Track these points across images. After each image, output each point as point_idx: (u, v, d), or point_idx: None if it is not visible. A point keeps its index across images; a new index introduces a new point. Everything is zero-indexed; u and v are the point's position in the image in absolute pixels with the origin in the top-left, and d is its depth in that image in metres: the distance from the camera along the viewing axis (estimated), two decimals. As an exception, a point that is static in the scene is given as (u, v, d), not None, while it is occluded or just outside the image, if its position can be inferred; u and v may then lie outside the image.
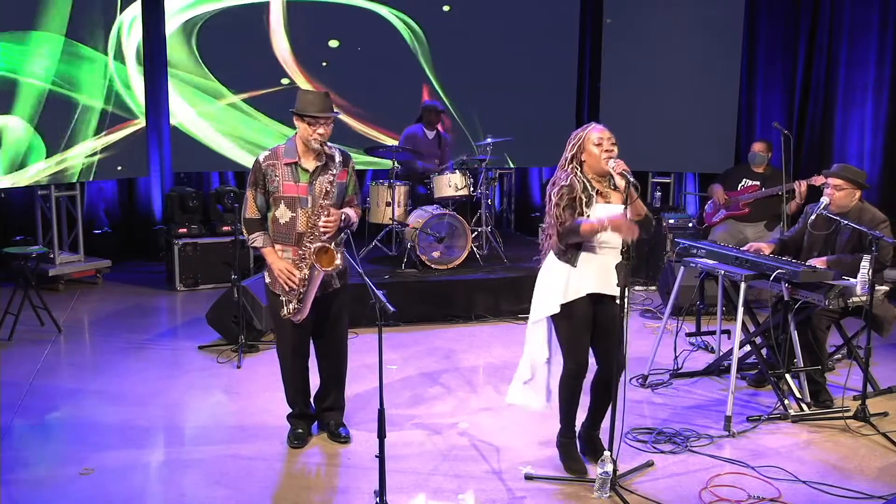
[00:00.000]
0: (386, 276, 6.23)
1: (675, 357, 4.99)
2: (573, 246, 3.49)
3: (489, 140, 6.93)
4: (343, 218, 3.75)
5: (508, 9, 8.20)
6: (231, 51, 7.54)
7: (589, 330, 3.55)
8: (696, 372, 4.99)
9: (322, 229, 3.67)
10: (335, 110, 3.74)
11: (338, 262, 3.67)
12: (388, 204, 6.53)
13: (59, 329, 5.73)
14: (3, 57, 6.42)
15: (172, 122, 7.56)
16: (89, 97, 6.94)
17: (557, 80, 8.43)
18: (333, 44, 7.79)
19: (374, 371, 3.23)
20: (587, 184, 3.49)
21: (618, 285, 3.33)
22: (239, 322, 5.24)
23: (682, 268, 4.77)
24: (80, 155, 6.93)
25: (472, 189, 6.61)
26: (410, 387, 4.80)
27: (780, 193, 6.34)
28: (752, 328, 4.85)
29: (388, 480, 3.24)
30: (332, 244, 3.68)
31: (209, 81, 7.56)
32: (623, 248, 3.32)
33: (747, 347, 4.71)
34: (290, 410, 4.04)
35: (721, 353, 4.98)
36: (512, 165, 8.44)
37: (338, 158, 3.76)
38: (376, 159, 7.40)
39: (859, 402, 4.26)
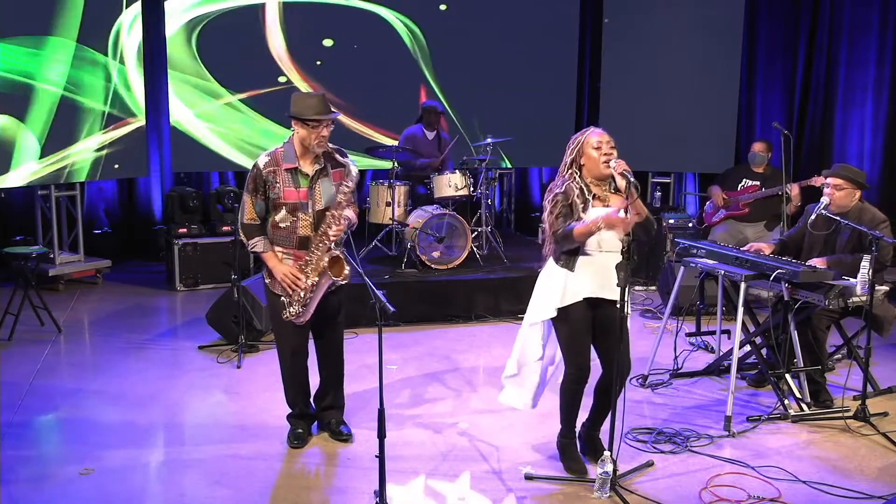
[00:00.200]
0: (386, 276, 6.23)
1: (675, 357, 4.99)
2: (570, 251, 3.49)
3: (489, 140, 6.94)
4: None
5: (507, 8, 8.20)
6: (230, 51, 7.54)
7: (589, 334, 3.54)
8: (696, 372, 5.00)
9: (333, 238, 3.69)
10: (334, 111, 3.73)
11: (347, 270, 3.69)
12: (388, 204, 6.53)
13: (59, 329, 5.73)
14: (20, 61, 6.45)
15: (172, 122, 7.56)
16: (92, 98, 6.95)
17: (557, 80, 8.43)
18: (328, 43, 7.77)
19: (374, 371, 3.23)
20: (584, 189, 3.48)
21: (618, 285, 3.33)
22: (239, 322, 5.24)
23: (682, 268, 4.77)
24: (80, 155, 6.93)
25: (472, 189, 6.61)
26: (410, 387, 4.80)
27: (779, 193, 6.35)
28: (752, 328, 4.85)
29: (388, 480, 3.24)
30: (340, 252, 3.71)
31: (209, 82, 7.56)
32: (623, 248, 3.32)
33: (747, 347, 4.71)
34: (289, 410, 4.04)
35: (721, 353, 4.98)
36: (509, 165, 8.43)
37: (340, 159, 3.78)
38: (376, 161, 7.41)
39: (859, 402, 4.26)
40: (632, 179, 3.34)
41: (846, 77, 8.01)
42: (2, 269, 6.59)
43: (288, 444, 3.94)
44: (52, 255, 6.98)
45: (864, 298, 4.13)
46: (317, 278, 3.71)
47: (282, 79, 7.68)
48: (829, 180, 4.56)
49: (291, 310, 3.76)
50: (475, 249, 6.59)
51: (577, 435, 3.77)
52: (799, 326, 4.45)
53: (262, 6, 7.57)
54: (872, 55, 7.85)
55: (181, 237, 7.07)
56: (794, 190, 6.24)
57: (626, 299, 3.35)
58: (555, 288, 3.52)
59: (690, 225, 7.21)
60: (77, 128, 6.88)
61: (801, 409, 4.32)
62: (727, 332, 5.05)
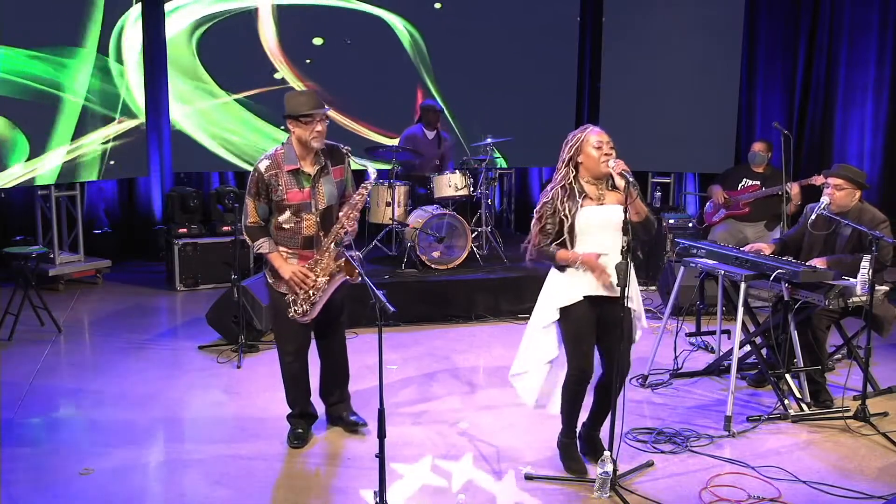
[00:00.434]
0: (386, 276, 6.23)
1: (675, 357, 4.99)
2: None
3: (489, 140, 6.94)
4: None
5: (506, 7, 8.19)
6: (230, 52, 7.54)
7: (593, 333, 3.54)
8: (696, 372, 4.99)
9: (347, 240, 3.74)
10: (325, 107, 3.74)
11: (358, 271, 3.69)
12: (388, 204, 6.52)
13: (59, 329, 5.73)
14: (18, 63, 6.46)
15: (172, 122, 7.56)
16: (92, 98, 6.95)
17: (557, 80, 8.42)
18: (318, 41, 7.75)
19: (374, 371, 3.23)
20: (576, 191, 3.48)
21: (617, 285, 3.33)
22: (239, 322, 5.24)
23: (682, 268, 4.77)
24: (80, 154, 6.93)
25: (472, 189, 6.61)
26: (410, 387, 4.80)
27: (779, 193, 6.35)
28: (752, 328, 4.85)
29: (388, 480, 3.24)
30: (354, 254, 3.75)
31: (209, 82, 7.55)
32: (622, 247, 3.32)
33: (747, 347, 4.71)
34: (290, 411, 4.04)
35: (721, 353, 4.98)
36: (505, 165, 8.41)
37: (336, 152, 3.82)
38: (375, 163, 7.40)
39: (859, 402, 4.26)
40: (631, 180, 3.35)
41: (846, 77, 8.00)
42: (2, 269, 6.59)
43: (288, 444, 3.94)
44: (52, 255, 6.98)
45: (864, 298, 4.13)
46: (327, 277, 3.73)
47: (277, 76, 7.67)
48: (829, 180, 4.56)
49: (297, 308, 3.76)
50: (475, 249, 6.59)
51: (577, 435, 3.76)
52: (799, 326, 4.44)
53: (257, 9, 7.56)
54: (872, 55, 7.84)
55: (181, 237, 7.07)
56: (794, 189, 6.25)
57: (626, 298, 3.35)
58: (556, 289, 3.53)
59: (690, 225, 7.21)
60: (77, 128, 6.87)
61: (801, 409, 4.32)
62: (727, 332, 5.05)
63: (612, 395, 3.45)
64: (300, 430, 3.98)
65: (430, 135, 7.11)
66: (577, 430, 3.76)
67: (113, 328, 5.91)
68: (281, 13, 7.64)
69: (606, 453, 3.42)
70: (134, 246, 8.16)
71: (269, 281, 3.84)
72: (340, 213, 3.79)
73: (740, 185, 6.81)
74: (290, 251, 3.78)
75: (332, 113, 3.78)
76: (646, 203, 3.57)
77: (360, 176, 3.92)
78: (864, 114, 7.96)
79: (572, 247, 3.49)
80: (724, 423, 4.15)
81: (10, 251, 5.87)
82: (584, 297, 3.47)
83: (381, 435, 3.16)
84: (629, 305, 3.45)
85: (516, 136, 7.37)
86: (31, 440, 4.02)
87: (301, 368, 3.98)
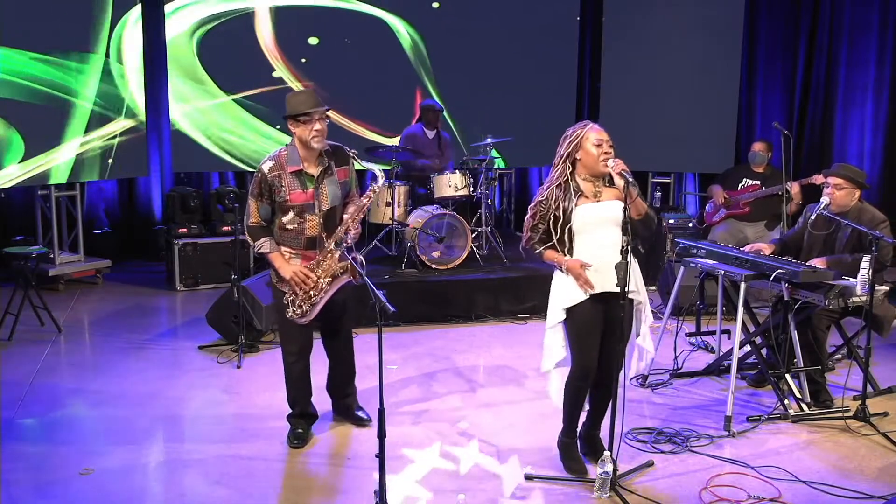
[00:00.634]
0: (386, 276, 6.23)
1: (675, 357, 4.99)
2: (567, 252, 3.49)
3: (489, 140, 6.94)
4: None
5: (506, 7, 8.19)
6: (230, 53, 7.54)
7: (597, 331, 3.53)
8: (696, 372, 4.99)
9: (351, 241, 3.77)
10: (324, 105, 3.75)
11: (359, 273, 3.73)
12: (388, 204, 6.52)
13: (59, 329, 5.73)
14: (18, 64, 6.47)
15: (172, 122, 7.56)
16: (94, 99, 6.95)
17: (557, 80, 8.42)
18: (314, 41, 7.76)
19: (374, 371, 3.24)
20: (571, 187, 3.48)
21: (617, 285, 3.33)
22: (239, 322, 5.24)
23: (682, 268, 4.77)
24: (80, 154, 6.93)
25: (472, 189, 6.61)
26: (410, 386, 4.80)
27: (780, 193, 6.35)
28: (752, 328, 4.85)
29: (388, 480, 3.24)
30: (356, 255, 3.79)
31: (209, 82, 7.55)
32: (622, 247, 3.32)
33: (747, 347, 4.71)
34: (290, 410, 4.05)
35: (721, 353, 4.97)
36: (503, 165, 8.41)
37: (340, 153, 3.84)
38: (375, 163, 7.40)
39: (859, 402, 4.26)
40: (630, 179, 3.34)
41: (846, 77, 8.00)
42: (2, 269, 6.59)
43: (288, 444, 3.94)
44: (52, 255, 6.98)
45: (864, 298, 4.13)
46: (329, 278, 3.74)
47: (276, 76, 7.67)
48: (828, 180, 4.56)
49: (297, 309, 3.77)
50: (475, 249, 6.59)
51: (577, 435, 3.76)
52: (799, 326, 4.44)
53: (256, 10, 7.56)
54: (872, 55, 7.84)
55: (181, 237, 7.07)
56: (794, 188, 6.24)
57: (626, 297, 3.35)
58: (562, 289, 3.52)
59: (690, 225, 7.21)
60: (77, 127, 6.87)
61: (801, 409, 4.32)
62: (727, 332, 5.05)
63: (609, 393, 3.44)
64: (300, 430, 3.98)
65: (430, 134, 7.11)
66: (577, 430, 3.76)
67: (113, 328, 5.91)
68: (280, 14, 7.64)
69: (606, 453, 3.42)
70: (134, 246, 8.16)
71: (274, 281, 3.85)
72: (345, 215, 3.81)
73: (740, 184, 6.81)
74: (293, 252, 3.79)
75: (330, 113, 3.78)
76: (645, 202, 3.56)
77: (361, 177, 3.93)
78: (864, 114, 7.96)
79: (571, 245, 3.48)
80: (724, 423, 4.15)
81: (10, 251, 5.87)
82: (590, 294, 3.47)
83: (381, 435, 3.17)
84: (636, 298, 3.49)
85: (516, 136, 7.37)
86: (31, 440, 4.02)
87: (304, 369, 3.98)
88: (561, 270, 3.52)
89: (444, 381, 4.91)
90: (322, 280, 3.75)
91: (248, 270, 7.00)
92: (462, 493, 3.50)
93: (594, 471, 3.52)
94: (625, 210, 3.31)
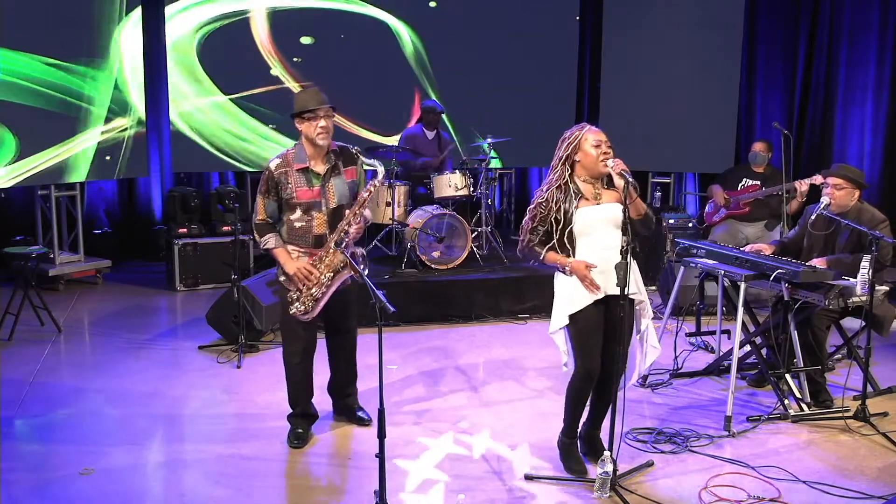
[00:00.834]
0: (386, 276, 6.23)
1: (675, 357, 4.99)
2: (569, 255, 3.49)
3: (489, 140, 6.94)
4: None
5: (506, 7, 8.19)
6: (230, 54, 7.55)
7: (599, 333, 3.53)
8: (696, 372, 4.99)
9: (353, 236, 3.79)
10: (328, 103, 3.79)
11: (361, 267, 3.74)
12: (388, 204, 6.53)
13: (59, 329, 5.73)
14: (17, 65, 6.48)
15: (172, 122, 7.56)
16: (91, 98, 6.96)
17: (557, 80, 8.42)
18: (312, 42, 7.76)
19: (374, 371, 3.23)
20: (572, 189, 3.47)
21: (617, 285, 3.33)
22: (239, 322, 5.24)
23: (682, 268, 4.78)
24: (80, 154, 6.93)
25: (472, 189, 6.61)
26: (410, 386, 4.80)
27: (780, 193, 6.34)
28: (752, 328, 4.85)
29: (388, 480, 3.24)
30: (358, 250, 3.83)
31: (209, 83, 7.55)
32: (622, 247, 3.32)
33: (747, 347, 4.71)
34: (290, 410, 4.05)
35: (721, 353, 4.98)
36: (500, 165, 8.41)
37: (352, 155, 3.90)
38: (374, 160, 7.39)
39: (859, 402, 4.26)
40: (630, 179, 3.34)
41: (846, 77, 8.00)
42: (2, 269, 6.60)
43: (288, 444, 3.94)
44: (52, 255, 6.98)
45: (864, 298, 4.13)
46: (331, 274, 3.76)
47: (275, 77, 7.67)
48: (828, 180, 4.57)
49: (300, 306, 3.79)
50: (475, 249, 6.59)
51: (578, 435, 3.76)
52: (799, 326, 4.44)
53: (255, 12, 7.56)
54: (872, 55, 7.84)
55: (181, 237, 7.07)
56: (803, 186, 6.19)
57: (626, 298, 3.35)
58: (565, 293, 3.52)
59: (690, 225, 7.20)
60: (77, 127, 6.88)
61: (801, 409, 4.32)
62: (727, 332, 5.05)
63: (610, 394, 3.44)
64: (300, 430, 3.98)
65: (430, 135, 7.12)
66: (578, 430, 3.76)
67: (113, 328, 5.91)
68: (280, 15, 7.64)
69: (606, 453, 3.42)
70: (134, 246, 8.16)
71: (281, 279, 3.88)
72: (347, 211, 3.82)
73: (740, 184, 6.81)
74: (301, 250, 3.82)
75: (336, 117, 3.81)
76: (645, 202, 3.56)
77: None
78: (864, 114, 7.96)
79: (573, 248, 3.48)
80: (724, 423, 4.15)
81: (10, 251, 5.87)
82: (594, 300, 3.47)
83: (381, 435, 3.16)
84: (637, 297, 3.49)
85: (516, 137, 7.38)
86: (31, 440, 4.02)
87: (307, 369, 3.99)
88: (563, 273, 3.51)
89: (444, 381, 4.91)
90: (324, 276, 3.76)
91: (248, 270, 7.00)
92: (462, 493, 3.50)
93: (594, 471, 3.52)
94: (625, 210, 3.31)
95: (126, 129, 7.22)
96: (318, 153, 3.80)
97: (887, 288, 4.55)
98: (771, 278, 4.15)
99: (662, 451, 3.91)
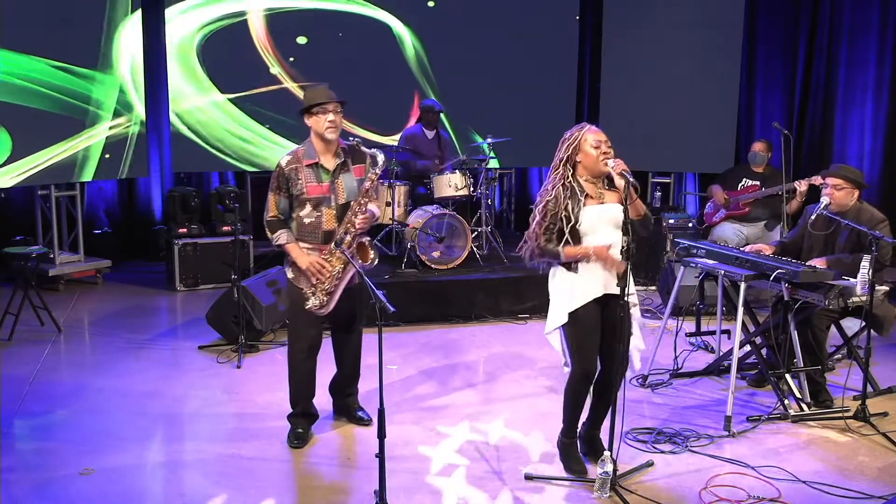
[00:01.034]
0: (386, 276, 6.23)
1: (675, 357, 4.99)
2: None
3: (489, 140, 6.94)
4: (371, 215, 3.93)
5: (506, 7, 8.18)
6: (229, 54, 7.54)
7: (597, 333, 3.53)
8: (696, 372, 4.99)
9: (359, 226, 3.81)
10: (337, 98, 3.83)
11: (372, 255, 3.86)
12: (388, 204, 6.53)
13: (59, 329, 5.73)
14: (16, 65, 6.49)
15: (172, 122, 7.56)
16: (93, 99, 6.96)
17: (557, 80, 8.41)
18: (309, 42, 7.75)
19: (374, 371, 3.23)
20: (576, 190, 3.48)
21: (617, 285, 3.33)
22: (239, 322, 5.24)
23: (682, 268, 4.78)
24: (82, 154, 6.93)
25: (472, 189, 6.61)
26: (410, 386, 4.80)
27: (779, 193, 6.34)
28: (752, 328, 4.85)
29: (388, 480, 3.24)
30: (366, 239, 3.86)
31: (209, 83, 7.55)
32: (622, 247, 3.32)
33: (747, 347, 4.71)
34: (290, 410, 4.04)
35: (721, 353, 4.97)
36: (497, 165, 8.40)
37: (363, 151, 3.94)
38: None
39: (859, 402, 4.26)
40: (630, 179, 3.35)
41: (846, 77, 8.00)
42: (2, 269, 6.59)
43: (288, 443, 3.94)
44: (52, 255, 6.98)
45: (864, 298, 4.13)
46: (341, 266, 3.79)
47: (275, 78, 7.67)
48: (827, 180, 4.57)
49: (315, 300, 3.81)
50: (475, 249, 6.59)
51: (577, 435, 3.76)
52: (799, 326, 4.44)
53: (255, 13, 7.56)
54: (872, 55, 7.84)
55: (181, 237, 7.07)
56: (802, 186, 6.19)
57: (626, 298, 3.35)
58: (564, 292, 3.52)
59: (690, 225, 7.20)
60: (76, 127, 6.88)
61: (801, 409, 4.32)
62: (727, 332, 5.05)
63: (612, 394, 3.44)
64: (300, 430, 3.98)
65: (430, 134, 7.12)
66: (577, 430, 3.76)
67: (113, 328, 5.91)
68: (280, 16, 7.64)
69: (606, 453, 3.42)
70: (134, 246, 8.16)
71: (290, 276, 3.89)
72: (352, 202, 3.85)
73: (740, 185, 6.81)
74: (310, 246, 3.85)
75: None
76: (645, 202, 3.57)
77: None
78: (864, 114, 7.96)
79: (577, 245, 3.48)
80: (724, 423, 4.15)
81: (10, 251, 5.87)
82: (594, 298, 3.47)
83: (381, 435, 3.17)
84: (632, 299, 3.48)
85: (516, 137, 7.37)
86: (32, 440, 4.02)
87: (311, 368, 4.01)
88: (585, 262, 3.46)
89: (444, 381, 4.91)
90: (335, 269, 3.80)
91: (248, 270, 7.00)
92: (462, 493, 3.50)
93: (594, 471, 3.52)
94: (625, 210, 3.31)
95: (129, 128, 7.23)
96: (328, 149, 3.84)
97: (887, 288, 4.54)
98: (771, 278, 4.16)
99: (662, 451, 3.91)
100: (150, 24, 7.46)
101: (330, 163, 3.84)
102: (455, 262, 6.43)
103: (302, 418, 4.02)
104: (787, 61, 8.26)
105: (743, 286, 4.27)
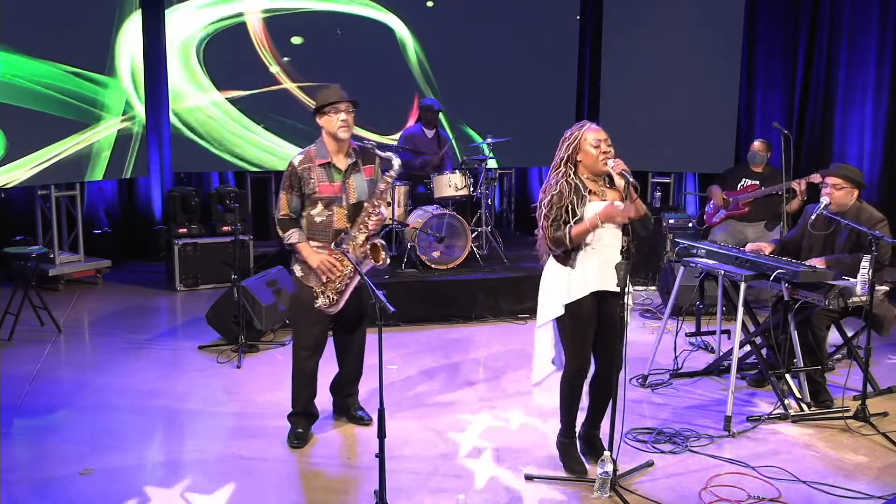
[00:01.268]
0: (386, 276, 6.23)
1: (675, 357, 4.99)
2: (574, 249, 3.49)
3: (489, 140, 6.93)
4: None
5: (506, 7, 8.18)
6: (230, 55, 7.55)
7: (592, 330, 3.54)
8: (696, 372, 4.99)
9: (373, 227, 3.86)
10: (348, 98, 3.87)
11: (384, 255, 3.87)
12: (388, 204, 6.50)
13: (59, 329, 5.73)
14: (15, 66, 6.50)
15: (172, 122, 7.56)
16: (93, 99, 6.97)
17: (557, 80, 8.42)
18: (310, 42, 7.75)
19: (375, 371, 3.24)
20: (580, 185, 3.48)
21: (617, 285, 3.33)
22: (239, 322, 5.24)
23: (682, 268, 4.77)
24: (79, 154, 6.93)
25: (472, 189, 6.61)
26: (411, 387, 4.80)
27: (779, 192, 6.34)
28: (752, 328, 4.85)
29: (388, 480, 3.24)
30: (379, 241, 3.89)
31: (209, 83, 7.55)
32: (623, 247, 3.32)
33: (747, 347, 4.71)
34: (291, 409, 4.04)
35: (721, 353, 4.98)
36: (496, 166, 8.40)
37: (373, 153, 3.98)
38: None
39: (859, 402, 4.26)
40: (630, 179, 3.35)
41: (846, 77, 8.01)
42: (2, 269, 6.59)
43: (288, 443, 3.94)
44: (52, 255, 6.98)
45: (864, 298, 4.13)
46: (351, 266, 3.81)
47: (274, 78, 7.67)
48: (826, 180, 4.57)
49: (325, 299, 3.83)
50: (475, 249, 6.59)
51: (576, 435, 3.76)
52: (799, 326, 4.44)
53: (256, 14, 7.56)
54: (872, 55, 7.85)
55: (181, 237, 7.07)
56: (801, 185, 6.19)
57: (626, 298, 3.35)
58: (560, 284, 3.52)
59: (690, 225, 7.20)
60: (76, 127, 6.88)
61: (801, 409, 4.32)
62: (727, 332, 5.05)
63: (611, 394, 3.44)
64: (300, 430, 3.98)
65: (430, 134, 7.11)
66: (577, 430, 3.76)
67: (113, 328, 5.91)
68: (280, 16, 7.63)
69: (606, 453, 3.42)
70: (134, 246, 8.16)
71: (299, 275, 3.90)
72: (366, 203, 3.89)
73: (739, 185, 6.81)
74: (321, 244, 3.86)
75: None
76: (645, 202, 3.57)
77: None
78: (864, 114, 7.97)
79: (582, 243, 3.48)
80: (724, 423, 4.15)
81: (10, 251, 5.87)
82: (589, 292, 3.47)
83: (381, 435, 3.17)
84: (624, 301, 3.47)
85: (516, 137, 7.37)
86: (32, 440, 4.02)
87: (314, 367, 4.01)
88: (571, 267, 3.47)
89: (444, 380, 4.91)
90: (347, 268, 3.82)
91: (248, 270, 7.00)
92: (462, 493, 3.50)
93: (594, 471, 3.52)
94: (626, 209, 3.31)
95: (132, 128, 7.23)
96: (340, 149, 3.87)
97: (887, 288, 4.54)
98: (771, 278, 4.15)
99: (662, 451, 3.91)
100: (150, 24, 7.46)
101: (342, 163, 3.87)
102: (455, 262, 6.43)
103: (303, 417, 4.02)
104: (787, 61, 8.27)
105: (743, 286, 4.27)
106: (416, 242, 6.25)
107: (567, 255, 3.50)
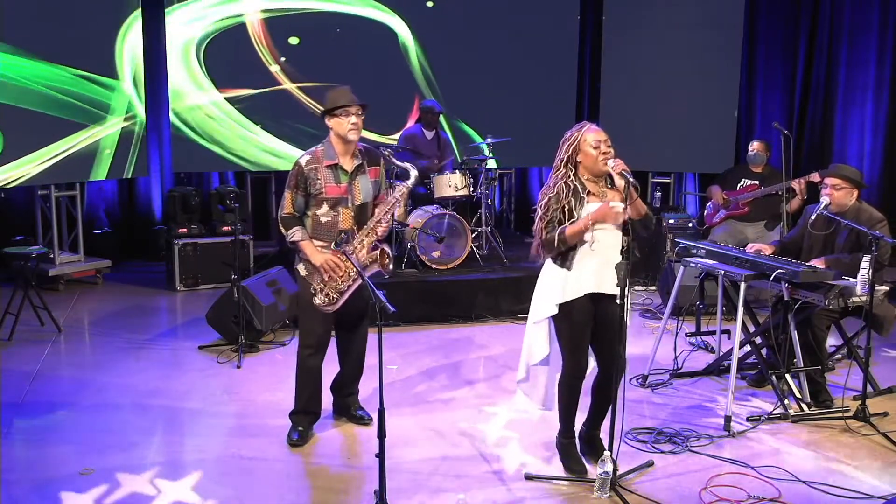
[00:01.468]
0: (386, 276, 6.21)
1: (675, 357, 4.99)
2: (571, 250, 3.49)
3: (489, 140, 6.93)
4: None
5: (506, 7, 8.18)
6: (230, 55, 7.54)
7: (589, 330, 3.54)
8: (696, 372, 4.99)
9: (380, 234, 3.90)
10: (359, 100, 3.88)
11: (388, 259, 3.92)
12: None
13: (59, 329, 5.73)
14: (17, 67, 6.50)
15: (172, 122, 7.56)
16: (93, 99, 6.97)
17: (557, 80, 8.41)
18: (309, 43, 7.75)
19: (375, 371, 3.24)
20: (578, 187, 3.48)
21: (618, 285, 3.33)
22: (239, 322, 5.24)
23: (682, 268, 4.77)
24: (79, 154, 6.93)
25: (472, 189, 6.61)
26: (411, 386, 4.81)
27: (779, 192, 6.34)
28: (752, 328, 4.85)
29: (388, 480, 3.24)
30: (386, 246, 3.94)
31: (209, 83, 7.55)
32: (623, 247, 3.32)
33: (747, 347, 4.71)
34: (293, 408, 4.05)
35: (721, 353, 4.98)
36: (496, 166, 8.40)
37: (372, 154, 4.01)
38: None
39: (859, 402, 4.26)
40: (631, 179, 3.35)
41: (846, 77, 8.01)
42: (2, 269, 6.59)
43: (288, 443, 3.95)
44: (52, 255, 6.98)
45: (864, 298, 4.13)
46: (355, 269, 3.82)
47: (275, 79, 7.67)
48: (826, 180, 4.57)
49: (324, 298, 3.84)
50: (475, 249, 6.59)
51: (576, 435, 3.76)
52: (799, 326, 4.44)
53: (256, 14, 7.56)
54: (872, 55, 7.85)
55: (181, 237, 7.07)
56: (801, 184, 6.19)
57: (626, 299, 3.35)
58: (555, 284, 3.52)
59: (690, 225, 7.20)
60: (76, 127, 6.88)
61: (801, 409, 4.33)
62: (727, 332, 5.05)
63: (611, 394, 3.44)
64: (301, 429, 3.98)
65: (430, 134, 7.11)
66: (576, 430, 3.76)
67: (113, 328, 5.91)
68: (280, 17, 7.63)
69: (606, 453, 3.42)
70: (134, 246, 8.16)
71: (303, 274, 3.90)
72: (377, 209, 3.94)
73: (739, 184, 6.81)
74: (325, 244, 3.88)
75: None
76: (645, 202, 3.57)
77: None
78: (864, 114, 7.97)
79: (579, 244, 3.48)
80: (724, 423, 4.15)
81: (10, 251, 5.86)
82: (587, 293, 3.47)
83: (381, 435, 3.17)
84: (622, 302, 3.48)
85: (516, 137, 7.36)
86: (32, 440, 4.02)
87: (317, 365, 4.02)
88: (568, 268, 3.48)
89: (444, 380, 4.91)
90: (352, 270, 3.83)
91: (248, 270, 7.00)
92: (462, 493, 3.50)
93: (594, 471, 3.52)
94: (625, 210, 3.31)
95: (133, 128, 7.24)
96: (347, 150, 3.89)
97: (887, 288, 4.54)
98: (771, 278, 4.16)
99: (662, 451, 3.91)
100: (150, 25, 7.46)
101: (349, 164, 3.89)
102: (455, 262, 6.43)
103: (304, 416, 4.03)
104: (787, 61, 8.27)
105: (743, 286, 4.27)
106: (416, 242, 6.25)
107: (563, 256, 3.50)
